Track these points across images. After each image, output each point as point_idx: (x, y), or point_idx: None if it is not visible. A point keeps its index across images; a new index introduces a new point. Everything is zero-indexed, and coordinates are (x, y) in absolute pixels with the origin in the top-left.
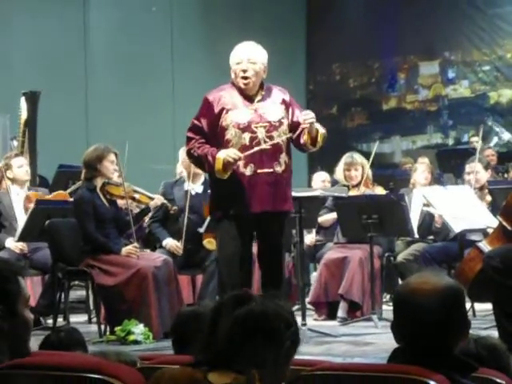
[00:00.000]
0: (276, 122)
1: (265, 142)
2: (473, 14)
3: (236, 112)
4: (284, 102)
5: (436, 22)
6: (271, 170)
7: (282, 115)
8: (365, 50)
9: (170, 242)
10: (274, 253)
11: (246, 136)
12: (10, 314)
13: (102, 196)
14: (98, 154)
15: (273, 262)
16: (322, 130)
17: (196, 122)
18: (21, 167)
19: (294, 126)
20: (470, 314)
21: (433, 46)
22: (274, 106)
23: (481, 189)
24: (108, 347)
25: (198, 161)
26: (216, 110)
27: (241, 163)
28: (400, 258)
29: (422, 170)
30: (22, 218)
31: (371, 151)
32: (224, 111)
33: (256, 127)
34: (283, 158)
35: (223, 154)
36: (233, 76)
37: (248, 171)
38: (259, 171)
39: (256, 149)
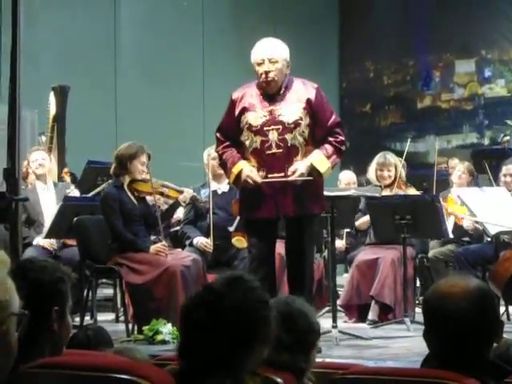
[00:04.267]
0: (291, 123)
1: (277, 145)
2: (510, 12)
3: (251, 114)
4: (308, 101)
5: (473, 19)
6: (282, 174)
7: (300, 116)
8: (399, 47)
9: (200, 240)
10: (294, 257)
11: (258, 139)
12: (60, 315)
13: (129, 193)
14: (131, 153)
15: (294, 265)
16: (322, 169)
17: (223, 121)
18: (34, 162)
19: (316, 128)
20: (504, 317)
21: (469, 44)
22: (292, 107)
23: None
24: (122, 345)
25: (222, 166)
26: (237, 111)
27: (254, 166)
28: (431, 254)
29: (460, 170)
30: (48, 214)
31: (405, 150)
32: (243, 112)
33: (268, 130)
34: (298, 160)
35: (245, 171)
36: (256, 75)
37: (260, 175)
38: (270, 176)
39: (274, 180)
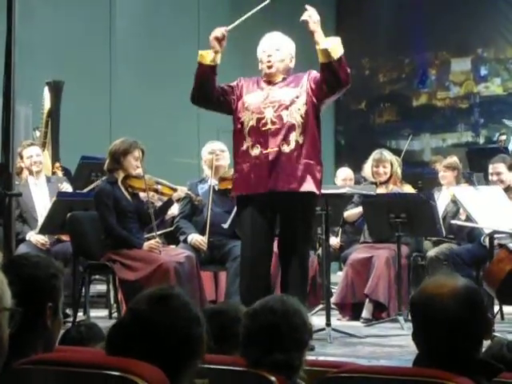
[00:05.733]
0: (287, 101)
1: (272, 122)
2: (507, 11)
3: (250, 95)
4: (305, 77)
5: (469, 18)
6: (276, 150)
7: (297, 94)
8: (395, 44)
9: (195, 237)
10: (289, 237)
11: (254, 117)
12: (54, 311)
13: (123, 189)
14: (125, 148)
15: (287, 259)
16: (325, 45)
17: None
18: (29, 158)
19: (316, 106)
20: (498, 317)
21: (465, 42)
22: (289, 88)
23: (507, 190)
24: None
25: (196, 77)
26: (238, 88)
27: (249, 144)
28: (432, 253)
29: (440, 172)
30: (41, 209)
31: (400, 148)
32: (242, 94)
33: (264, 107)
34: (294, 137)
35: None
36: (260, 65)
37: (254, 152)
38: (265, 151)
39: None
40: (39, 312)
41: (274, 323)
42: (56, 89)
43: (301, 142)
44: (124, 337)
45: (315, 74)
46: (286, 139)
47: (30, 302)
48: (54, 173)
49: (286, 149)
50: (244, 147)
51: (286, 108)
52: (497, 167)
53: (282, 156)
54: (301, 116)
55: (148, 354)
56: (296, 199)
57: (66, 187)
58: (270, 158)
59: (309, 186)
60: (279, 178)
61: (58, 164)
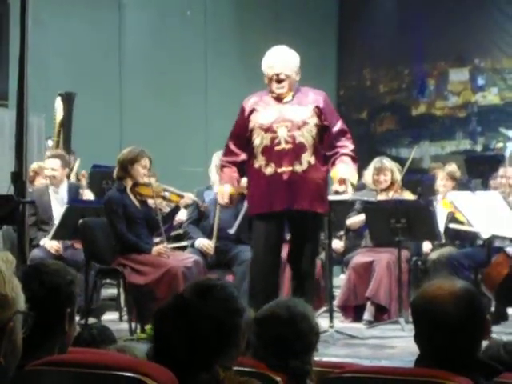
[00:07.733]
0: (299, 121)
1: (285, 141)
2: (503, 22)
3: (261, 113)
4: (317, 107)
5: (466, 29)
6: (290, 169)
7: (309, 115)
8: (395, 55)
9: (202, 241)
10: (300, 254)
11: (268, 136)
12: (71, 316)
13: (132, 196)
14: (132, 157)
15: (299, 264)
16: (355, 182)
17: (234, 128)
18: (47, 170)
19: (323, 130)
20: None
21: (463, 52)
22: (301, 108)
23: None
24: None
25: (220, 176)
26: (246, 114)
27: (262, 163)
28: (434, 255)
29: (440, 178)
30: (57, 215)
31: (400, 156)
32: (252, 113)
33: (277, 127)
34: (306, 157)
35: (220, 190)
36: (266, 81)
37: (268, 171)
38: (279, 170)
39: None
40: (59, 317)
41: (283, 333)
42: (68, 100)
43: (312, 162)
44: (166, 321)
45: (327, 115)
46: (298, 159)
47: (52, 308)
48: (78, 180)
49: (299, 168)
50: (256, 166)
51: (299, 128)
52: (508, 170)
53: (296, 176)
54: (312, 137)
55: (187, 338)
56: (308, 218)
57: (88, 195)
58: (285, 177)
59: (320, 207)
60: (294, 198)
61: (83, 172)
